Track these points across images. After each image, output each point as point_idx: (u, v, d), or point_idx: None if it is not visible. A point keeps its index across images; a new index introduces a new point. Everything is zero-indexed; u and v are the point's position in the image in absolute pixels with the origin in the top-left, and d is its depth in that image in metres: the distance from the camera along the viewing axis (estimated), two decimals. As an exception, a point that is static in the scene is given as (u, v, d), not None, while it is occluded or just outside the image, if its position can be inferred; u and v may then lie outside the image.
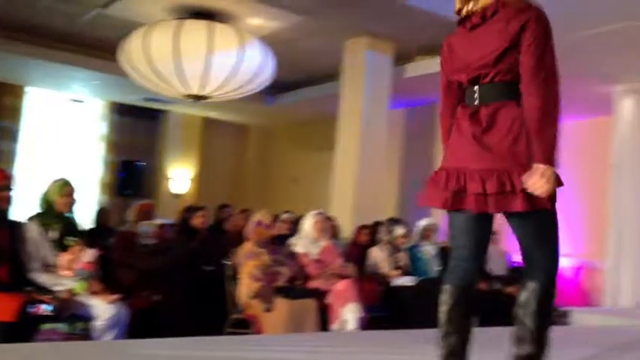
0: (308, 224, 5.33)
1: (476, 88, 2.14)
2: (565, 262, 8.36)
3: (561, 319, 5.80)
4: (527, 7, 2.07)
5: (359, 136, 6.71)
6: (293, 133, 10.90)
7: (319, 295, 4.85)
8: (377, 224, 6.12)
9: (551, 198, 2.12)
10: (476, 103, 2.14)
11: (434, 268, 5.87)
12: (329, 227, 5.47)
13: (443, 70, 2.30)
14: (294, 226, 5.65)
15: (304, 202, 8.63)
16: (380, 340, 3.69)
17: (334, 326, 4.79)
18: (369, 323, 4.88)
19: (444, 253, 6.05)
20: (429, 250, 5.95)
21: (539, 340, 2.13)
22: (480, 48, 2.10)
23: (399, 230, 5.74)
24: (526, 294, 2.14)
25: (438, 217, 7.42)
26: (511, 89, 2.07)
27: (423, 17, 5.92)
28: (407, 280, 5.47)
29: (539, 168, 2.00)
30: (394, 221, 5.92)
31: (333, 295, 4.88)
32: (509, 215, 2.09)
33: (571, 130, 8.59)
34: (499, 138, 2.05)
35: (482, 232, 2.18)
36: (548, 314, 2.14)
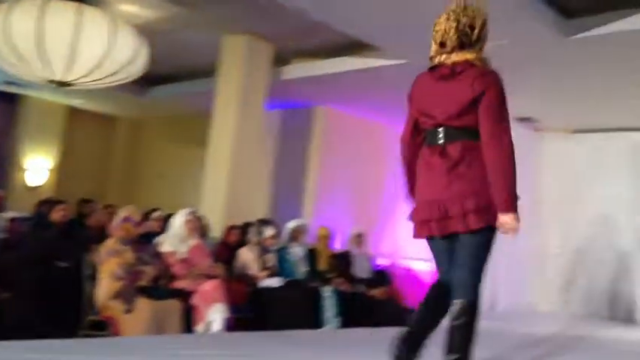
0: (178, 222, 5.17)
1: (442, 129, 2.51)
2: (423, 266, 8.80)
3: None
4: (488, 72, 2.48)
5: (232, 135, 6.63)
6: (165, 127, 10.56)
7: (184, 295, 4.71)
8: (247, 225, 6.07)
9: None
10: (441, 142, 2.50)
11: (301, 269, 5.92)
12: (199, 226, 5.35)
13: (412, 108, 2.68)
14: (165, 224, 5.46)
15: (172, 199, 8.38)
16: (243, 342, 3.64)
17: (199, 327, 4.68)
18: (235, 324, 4.82)
19: (312, 255, 6.13)
20: (297, 251, 5.99)
21: (465, 350, 2.46)
22: (448, 100, 2.47)
23: (269, 231, 5.73)
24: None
25: (308, 219, 7.52)
26: (471, 132, 2.45)
27: (302, 21, 5.97)
28: (274, 282, 5.47)
29: (508, 219, 2.50)
30: (264, 222, 5.91)
31: (199, 295, 4.76)
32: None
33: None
34: (465, 172, 2.45)
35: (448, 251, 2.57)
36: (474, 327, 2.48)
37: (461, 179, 2.42)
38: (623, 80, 6.07)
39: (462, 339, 2.44)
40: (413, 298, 7.58)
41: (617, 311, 7.52)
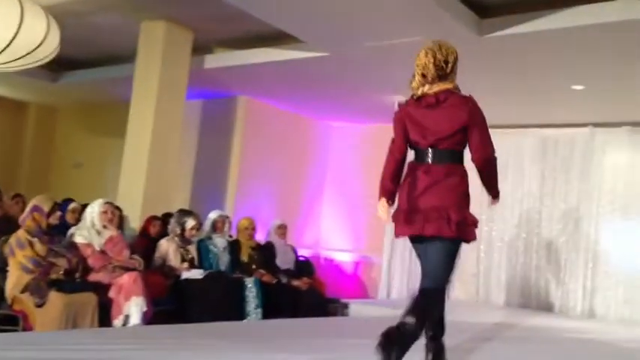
0: (93, 213, 4.98)
1: (430, 150, 2.94)
2: (345, 257, 8.93)
3: (342, 310, 6.17)
4: (467, 98, 2.99)
5: (152, 125, 6.45)
6: (81, 115, 10.13)
7: (101, 288, 4.56)
8: (167, 216, 5.94)
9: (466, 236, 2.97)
10: (429, 162, 2.94)
11: (224, 261, 5.85)
12: (116, 217, 5.17)
13: (398, 131, 3.06)
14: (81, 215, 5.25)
15: (89, 190, 8.08)
16: (162, 335, 3.56)
17: (117, 321, 4.54)
18: (154, 317, 4.71)
19: (234, 247, 6.07)
20: (219, 243, 5.91)
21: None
22: (438, 124, 2.92)
23: (190, 222, 5.62)
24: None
25: (230, 211, 7.45)
26: (456, 155, 2.96)
27: (223, 9, 5.87)
28: (195, 273, 5.38)
29: (495, 200, 3.28)
30: (185, 213, 5.78)
31: (116, 288, 4.62)
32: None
33: (359, 135, 9.21)
34: (446, 192, 2.91)
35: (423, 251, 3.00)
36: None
37: (435, 196, 2.90)
38: (534, 78, 6.36)
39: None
40: (335, 288, 7.68)
41: (530, 299, 7.90)
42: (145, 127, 6.48)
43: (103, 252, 4.89)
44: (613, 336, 5.52)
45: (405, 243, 7.58)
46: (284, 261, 6.36)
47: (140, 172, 6.39)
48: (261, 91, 7.93)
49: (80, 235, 4.89)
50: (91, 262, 4.80)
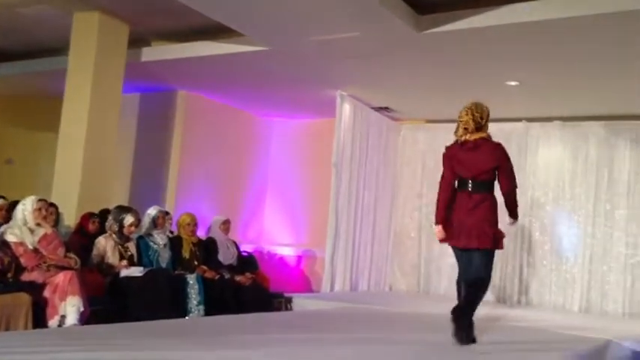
0: (25, 211, 4.79)
1: (470, 181, 3.94)
2: (288, 251, 8.92)
3: (285, 304, 6.16)
4: (497, 144, 4.02)
5: (86, 119, 6.25)
6: (11, 108, 9.69)
7: (35, 288, 4.39)
8: (105, 212, 5.77)
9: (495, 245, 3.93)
10: (470, 190, 3.94)
11: (165, 257, 5.74)
12: (51, 214, 4.99)
13: (448, 167, 4.05)
14: (11, 213, 5.03)
15: (21, 187, 7.74)
16: (100, 335, 3.46)
17: (52, 322, 4.39)
18: (92, 317, 4.57)
19: (175, 243, 5.96)
20: (159, 239, 5.79)
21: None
22: (476, 163, 3.93)
23: (129, 219, 5.48)
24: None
25: (171, 207, 7.31)
26: (489, 186, 3.96)
27: (160, 1, 5.75)
28: (135, 271, 5.25)
29: (514, 220, 4.17)
30: (123, 209, 5.62)
31: (51, 288, 4.46)
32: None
33: (300, 129, 9.21)
34: (483, 211, 3.91)
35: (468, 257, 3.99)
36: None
37: (477, 215, 3.89)
38: (471, 74, 6.52)
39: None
40: (278, 283, 7.65)
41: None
42: (80, 121, 6.28)
43: (36, 250, 4.71)
44: (547, 323, 5.74)
45: (347, 237, 7.66)
46: (226, 256, 6.29)
47: (75, 167, 6.19)
48: (201, 86, 7.81)
49: (12, 234, 4.70)
50: (23, 261, 4.62)
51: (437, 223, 3.99)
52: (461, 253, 4.02)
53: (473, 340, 3.80)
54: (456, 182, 4.00)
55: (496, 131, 7.94)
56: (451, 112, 8.13)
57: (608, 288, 7.31)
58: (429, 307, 6.42)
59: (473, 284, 3.89)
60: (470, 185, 3.92)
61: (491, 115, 7.79)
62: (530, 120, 7.96)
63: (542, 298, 7.59)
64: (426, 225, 8.51)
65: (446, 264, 8.31)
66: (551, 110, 7.65)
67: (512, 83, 6.66)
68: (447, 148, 4.11)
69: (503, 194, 4.01)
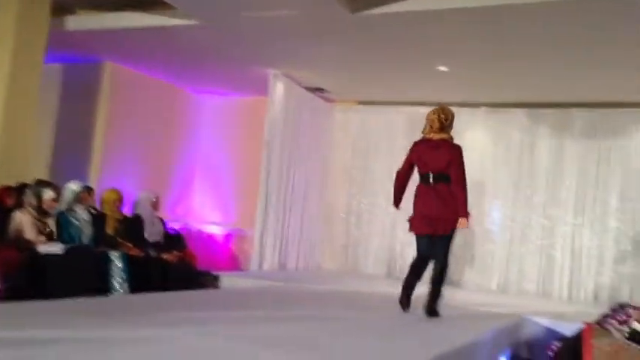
0: None
1: (431, 175, 4.44)
2: (217, 230, 8.84)
3: (213, 282, 6.10)
4: (456, 146, 4.48)
5: (4, 89, 5.92)
6: None
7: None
8: (23, 186, 5.51)
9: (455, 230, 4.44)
10: (432, 183, 4.44)
11: (87, 234, 5.55)
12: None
13: (409, 160, 4.58)
14: None
15: None
16: (14, 313, 3.31)
17: (-37, 300, 4.17)
18: (7, 294, 4.38)
19: (99, 219, 5.78)
20: (81, 215, 5.59)
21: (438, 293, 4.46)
22: (438, 159, 4.42)
23: (48, 193, 5.24)
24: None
25: (95, 182, 7.07)
26: (448, 178, 4.40)
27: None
28: (55, 247, 5.05)
29: (464, 221, 4.39)
30: (42, 183, 5.37)
31: (-37, 264, 4.23)
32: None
33: (231, 107, 9.08)
34: (447, 201, 4.38)
35: (431, 242, 4.47)
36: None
37: (442, 205, 4.38)
38: (403, 58, 6.60)
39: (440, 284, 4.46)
40: (207, 261, 7.58)
41: (395, 269, 8.30)
42: (-3, 90, 5.94)
43: (-53, 225, 4.45)
44: (466, 300, 5.95)
45: (276, 216, 7.66)
46: (153, 234, 6.15)
47: (-9, 139, 5.87)
48: (129, 58, 7.55)
49: None
50: None
51: (395, 204, 4.68)
52: (424, 240, 4.49)
53: (437, 314, 4.39)
54: (419, 176, 4.52)
55: (424, 115, 8.26)
56: (383, 95, 8.35)
57: (525, 269, 7.66)
58: (357, 286, 6.52)
59: (440, 267, 4.44)
60: (431, 178, 4.43)
61: (421, 99, 8.12)
62: (459, 105, 8.16)
63: (462, 277, 7.86)
64: (356, 206, 8.63)
65: (374, 244, 8.47)
66: (478, 96, 7.87)
67: (442, 69, 6.80)
68: (415, 143, 4.61)
69: (454, 191, 4.38)
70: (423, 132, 4.55)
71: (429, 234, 4.42)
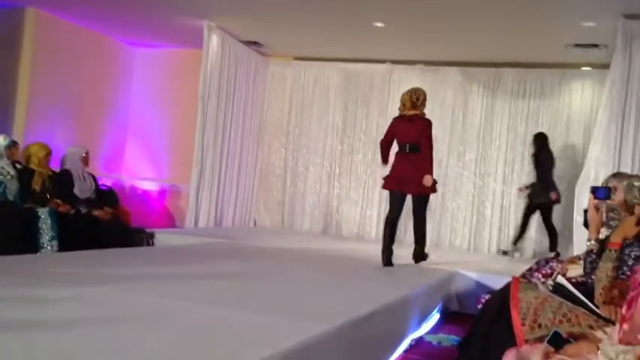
0: None
1: (407, 145, 5.20)
2: (151, 186, 8.65)
3: (147, 239, 5.99)
4: (426, 120, 5.26)
5: None
6: None
7: None
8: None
9: (431, 190, 5.22)
10: (407, 151, 5.20)
11: (12, 189, 5.31)
12: None
13: (389, 133, 5.38)
14: None
15: None
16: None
17: None
18: None
19: (25, 174, 5.53)
20: (6, 170, 5.33)
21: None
22: (410, 131, 5.19)
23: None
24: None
25: (19, 136, 6.75)
26: (418, 147, 5.15)
27: None
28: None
29: (429, 177, 5.10)
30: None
31: None
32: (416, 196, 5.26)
33: (165, 59, 8.78)
34: (418, 166, 5.13)
35: (402, 201, 5.24)
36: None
37: (414, 169, 5.12)
38: (339, 13, 6.52)
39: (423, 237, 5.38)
40: (141, 218, 7.42)
41: (329, 226, 8.40)
42: None
43: None
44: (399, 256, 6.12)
45: (212, 172, 7.55)
46: (83, 190, 5.95)
47: None
48: (54, 4, 7.12)
49: None
50: None
51: (382, 162, 5.46)
52: (398, 197, 5.19)
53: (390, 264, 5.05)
54: (398, 145, 5.29)
55: (360, 71, 8.32)
56: (319, 51, 8.27)
57: (457, 224, 7.91)
58: (292, 243, 6.57)
59: (419, 222, 5.27)
60: (407, 147, 5.18)
61: (357, 56, 8.09)
62: (394, 62, 8.20)
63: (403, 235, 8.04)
64: (292, 162, 8.62)
65: (308, 202, 8.52)
66: (414, 54, 7.91)
67: (379, 24, 6.77)
68: (393, 118, 5.43)
69: (423, 156, 5.15)
70: (399, 110, 5.36)
71: (399, 191, 5.18)
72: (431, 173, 5.09)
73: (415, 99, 5.22)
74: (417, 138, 5.12)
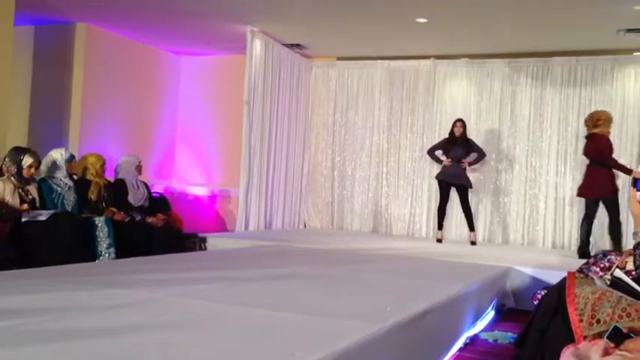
0: None
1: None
2: (201, 191, 8.81)
3: (199, 244, 6.11)
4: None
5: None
6: None
7: None
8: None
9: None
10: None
11: (70, 200, 5.49)
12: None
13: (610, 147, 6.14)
14: None
15: None
16: (2, 280, 3.30)
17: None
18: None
19: (81, 185, 5.72)
20: (64, 181, 5.52)
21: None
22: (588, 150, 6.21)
23: (27, 159, 5.14)
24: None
25: (75, 148, 6.98)
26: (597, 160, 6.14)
27: None
28: (38, 215, 5.00)
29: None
30: (20, 150, 5.25)
31: (-55, 235, 4.18)
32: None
33: (210, 66, 8.94)
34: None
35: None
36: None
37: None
38: (380, 10, 6.49)
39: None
40: (192, 223, 7.57)
41: (379, 225, 8.37)
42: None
43: None
44: (451, 253, 6.04)
45: (260, 175, 7.64)
46: (136, 198, 6.11)
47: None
48: (102, 18, 7.34)
49: None
50: None
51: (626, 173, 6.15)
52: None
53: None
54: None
55: (404, 68, 8.26)
56: (362, 50, 8.26)
57: (509, 219, 7.76)
58: (342, 243, 6.57)
59: (613, 222, 6.03)
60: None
61: (400, 53, 8.04)
62: (438, 57, 8.12)
63: (448, 231, 7.95)
64: (339, 163, 8.63)
65: (357, 202, 8.51)
66: (458, 48, 7.81)
67: (421, 20, 6.72)
68: (603, 135, 6.10)
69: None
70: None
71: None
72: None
73: (595, 120, 6.03)
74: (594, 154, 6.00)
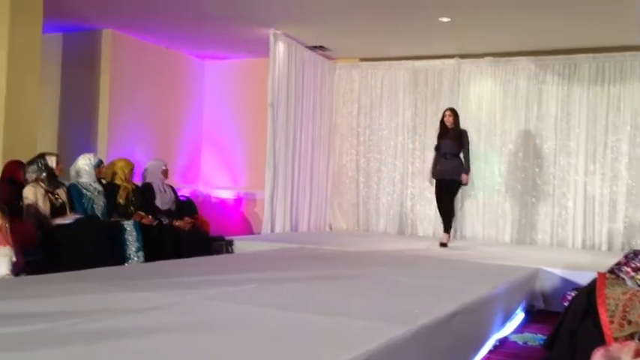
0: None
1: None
2: (227, 194, 8.87)
3: (227, 247, 6.15)
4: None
5: (6, 62, 5.85)
6: None
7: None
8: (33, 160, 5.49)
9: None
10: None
11: (99, 204, 5.57)
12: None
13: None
14: None
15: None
16: (34, 283, 3.36)
17: (-18, 275, 4.22)
18: (26, 268, 4.43)
19: (110, 189, 5.80)
20: (93, 186, 5.61)
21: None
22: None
23: (51, 160, 5.20)
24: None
25: (103, 153, 7.08)
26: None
27: None
28: (68, 219, 5.08)
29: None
30: (38, 157, 5.30)
31: (-21, 240, 4.27)
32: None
33: (234, 70, 9.00)
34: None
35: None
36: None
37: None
38: (402, 10, 6.46)
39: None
40: (219, 226, 7.63)
41: (404, 226, 8.34)
42: (-3, 66, 5.88)
43: (-40, 202, 4.47)
44: (479, 254, 5.98)
45: (285, 178, 7.66)
46: (164, 202, 6.18)
47: (-4, 114, 5.84)
48: (128, 24, 7.45)
49: None
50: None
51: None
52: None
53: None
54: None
55: (428, 68, 8.21)
56: (385, 51, 8.24)
57: (537, 219, 7.66)
58: (368, 244, 6.56)
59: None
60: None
61: (424, 52, 8.00)
62: (462, 57, 8.06)
63: (475, 232, 7.88)
64: (363, 164, 8.61)
65: (382, 203, 8.48)
66: (482, 46, 7.74)
67: (444, 19, 6.68)
68: None
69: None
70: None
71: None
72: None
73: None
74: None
